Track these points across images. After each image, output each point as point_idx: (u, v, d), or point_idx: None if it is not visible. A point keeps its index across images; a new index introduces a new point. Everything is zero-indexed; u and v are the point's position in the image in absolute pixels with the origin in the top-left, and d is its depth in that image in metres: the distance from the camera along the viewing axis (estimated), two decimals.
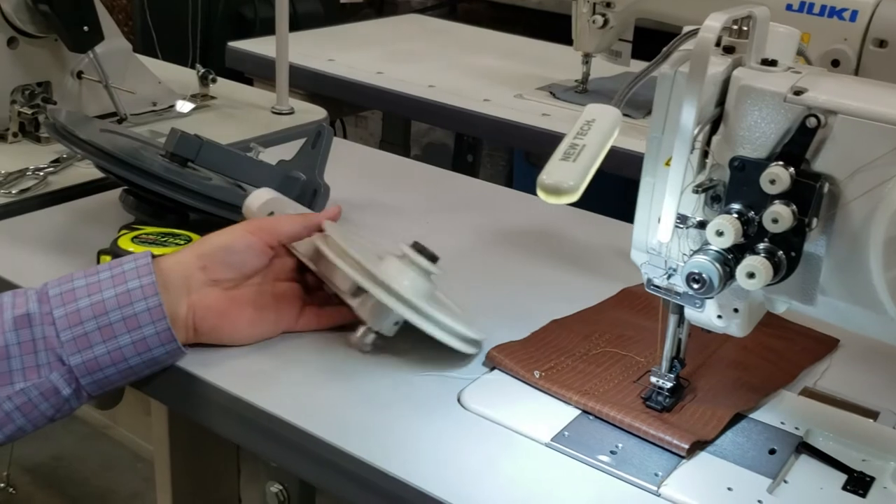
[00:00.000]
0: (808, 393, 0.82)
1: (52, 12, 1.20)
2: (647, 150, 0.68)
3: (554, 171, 0.55)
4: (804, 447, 0.74)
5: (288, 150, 1.15)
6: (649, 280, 0.72)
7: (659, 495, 0.68)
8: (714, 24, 0.61)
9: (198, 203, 0.95)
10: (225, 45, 1.88)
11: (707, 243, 0.65)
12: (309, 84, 1.73)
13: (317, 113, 1.50)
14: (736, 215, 0.64)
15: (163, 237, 0.89)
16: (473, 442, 0.73)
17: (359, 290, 0.83)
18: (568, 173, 0.55)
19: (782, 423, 0.77)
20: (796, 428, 0.76)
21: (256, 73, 1.82)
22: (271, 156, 1.13)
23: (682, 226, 0.66)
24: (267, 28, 1.49)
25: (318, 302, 0.87)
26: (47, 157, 1.19)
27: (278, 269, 0.85)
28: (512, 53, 1.96)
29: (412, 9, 3.26)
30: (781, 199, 0.62)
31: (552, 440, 0.73)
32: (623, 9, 1.56)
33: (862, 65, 1.33)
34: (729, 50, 0.67)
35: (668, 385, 0.76)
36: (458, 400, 0.78)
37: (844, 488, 0.70)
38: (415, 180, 1.30)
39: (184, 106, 1.37)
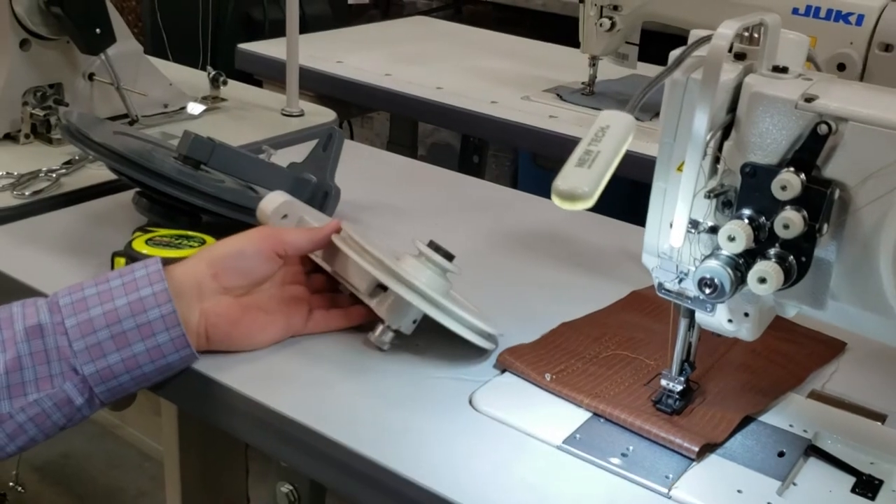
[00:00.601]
0: (817, 396, 0.83)
1: (65, 14, 1.20)
2: (658, 156, 0.69)
3: (569, 177, 0.56)
4: (813, 450, 0.75)
5: (298, 152, 1.15)
6: (660, 284, 0.72)
7: (670, 497, 0.69)
8: (727, 31, 0.61)
9: (210, 205, 0.96)
10: (234, 47, 1.88)
11: (718, 248, 0.66)
12: (318, 86, 1.74)
13: (326, 115, 1.50)
14: (747, 221, 0.65)
15: (177, 239, 0.89)
16: (485, 444, 0.74)
17: (376, 289, 0.84)
18: (583, 179, 0.56)
19: (791, 425, 0.78)
20: (805, 431, 0.77)
21: (266, 74, 1.83)
22: (282, 158, 1.13)
23: (693, 231, 0.67)
24: (276, 30, 1.49)
25: (326, 304, 0.88)
26: (59, 159, 1.20)
27: (285, 274, 0.86)
28: (518, 55, 1.96)
29: (417, 10, 3.27)
30: (792, 205, 0.63)
31: (563, 443, 0.73)
32: (630, 12, 1.57)
33: (868, 69, 1.34)
34: (740, 57, 0.68)
35: (679, 388, 0.76)
36: (470, 402, 0.79)
37: (853, 491, 0.71)
38: (423, 182, 1.31)
39: (195, 108, 1.38)
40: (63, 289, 0.76)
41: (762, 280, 0.63)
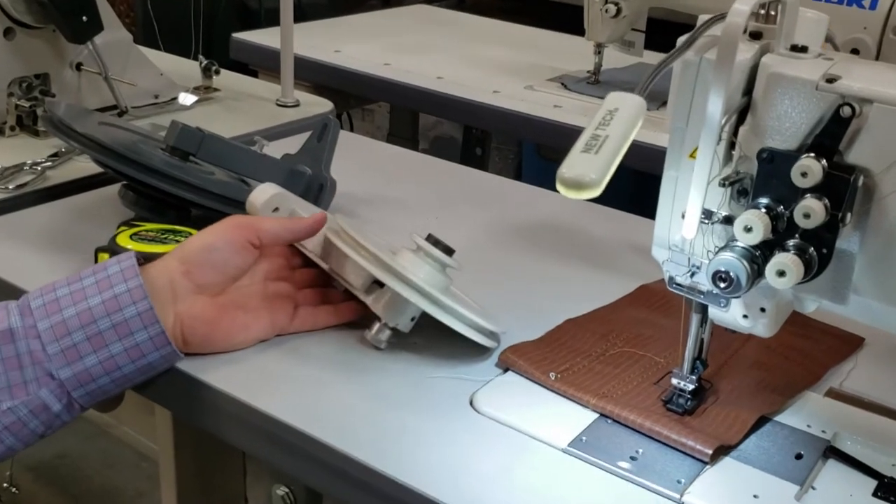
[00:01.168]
0: (834, 394, 0.79)
1: (50, 2, 1.16)
2: (669, 143, 0.65)
3: (575, 164, 0.52)
4: (832, 451, 0.71)
5: (293, 144, 1.11)
6: (671, 278, 0.68)
7: (682, 503, 0.65)
8: (743, 7, 0.57)
9: (199, 198, 0.92)
10: (229, 37, 1.84)
11: (733, 240, 0.62)
12: (315, 76, 1.70)
13: (323, 105, 1.47)
14: (764, 210, 0.61)
15: (163, 234, 0.85)
16: (487, 447, 0.70)
17: (373, 286, 0.81)
18: (590, 166, 0.51)
19: (808, 426, 0.74)
20: (823, 431, 0.73)
21: (261, 64, 1.79)
22: (276, 149, 1.09)
23: (706, 221, 0.63)
24: (273, 19, 1.46)
25: (314, 301, 0.84)
26: (45, 152, 1.16)
27: (268, 269, 0.81)
28: (521, 44, 1.92)
29: None
30: (813, 192, 0.59)
31: (569, 445, 0.70)
32: None
33: (882, 53, 1.30)
34: (756, 36, 0.64)
35: (690, 387, 0.72)
36: (471, 403, 0.75)
37: (875, 495, 0.67)
38: (423, 174, 1.27)
39: (186, 98, 1.34)
40: (35, 290, 0.72)
41: (781, 273, 0.59)
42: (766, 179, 0.61)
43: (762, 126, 0.62)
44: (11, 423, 0.69)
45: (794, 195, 0.60)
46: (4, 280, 0.89)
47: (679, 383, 0.73)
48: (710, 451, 0.68)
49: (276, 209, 0.87)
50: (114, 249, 0.83)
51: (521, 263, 1.01)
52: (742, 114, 0.63)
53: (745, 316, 0.67)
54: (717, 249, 0.63)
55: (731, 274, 0.60)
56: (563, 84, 1.66)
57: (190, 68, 1.49)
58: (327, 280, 0.85)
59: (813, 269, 0.60)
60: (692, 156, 0.63)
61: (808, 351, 0.83)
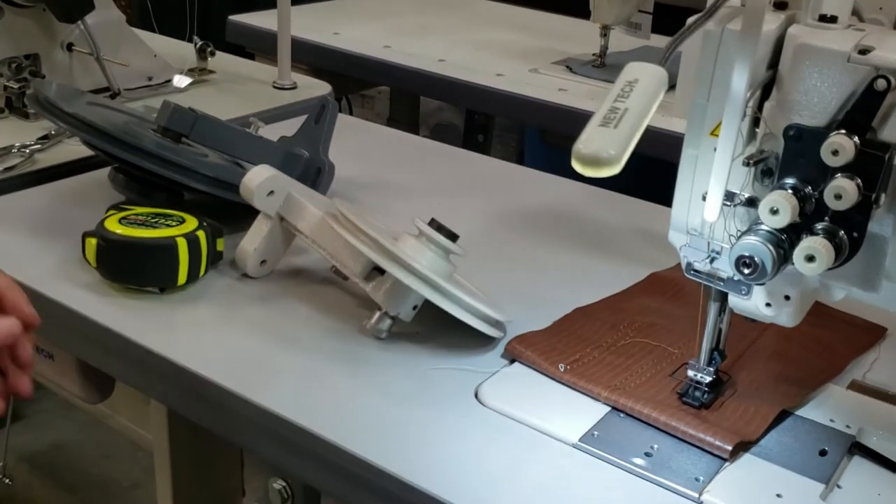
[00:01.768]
0: (858, 387, 0.75)
1: None
2: (689, 119, 0.61)
3: (592, 138, 0.48)
4: (857, 448, 0.67)
5: (290, 127, 1.08)
6: (689, 264, 0.65)
7: (700, 503, 0.61)
8: None
9: (192, 181, 0.88)
10: (225, 19, 1.80)
11: (757, 223, 0.58)
12: (313, 59, 1.66)
13: (321, 88, 1.42)
14: (791, 191, 0.57)
15: (153, 218, 0.81)
16: (493, 442, 0.66)
17: (372, 272, 0.77)
18: (608, 141, 0.47)
19: (831, 420, 0.70)
20: (847, 426, 0.69)
21: (259, 47, 1.75)
22: (273, 132, 1.05)
23: (728, 203, 0.59)
24: (270, 2, 1.42)
25: None
26: (35, 134, 1.12)
27: None
28: (525, 26, 1.88)
29: None
30: (844, 172, 0.55)
31: (580, 441, 0.66)
32: None
33: None
34: (781, 6, 0.60)
35: (707, 379, 0.69)
36: (476, 395, 0.71)
37: None
38: (425, 159, 1.23)
39: (181, 80, 1.30)
40: None
41: (810, 258, 0.55)
42: (793, 158, 0.57)
43: (789, 101, 0.58)
44: None
45: (823, 175, 0.56)
46: None
47: (695, 375, 0.69)
48: (730, 448, 0.64)
49: (272, 192, 0.83)
50: (102, 234, 0.79)
51: (527, 250, 0.97)
52: (767, 88, 0.59)
53: (767, 304, 0.63)
54: (739, 233, 0.59)
55: (756, 259, 0.56)
56: (568, 67, 1.62)
57: (185, 50, 1.44)
58: None
59: (843, 254, 0.57)
60: (714, 133, 0.59)
61: (829, 341, 0.80)
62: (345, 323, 0.80)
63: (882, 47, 0.55)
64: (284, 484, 1.00)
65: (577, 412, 0.69)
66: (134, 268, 0.79)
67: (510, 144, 2.91)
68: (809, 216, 0.57)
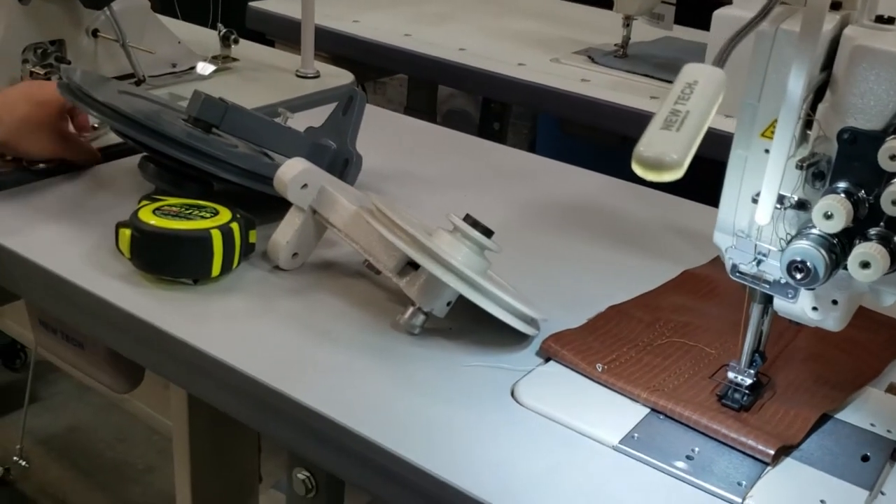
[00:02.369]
0: None
1: None
2: (738, 120, 0.60)
3: (654, 142, 0.47)
4: None
5: (314, 116, 1.07)
6: (734, 266, 0.64)
7: None
8: None
9: (222, 172, 0.88)
10: (245, 6, 1.79)
11: (808, 226, 0.58)
12: (332, 46, 1.65)
13: (344, 77, 1.41)
14: (844, 195, 0.56)
15: (187, 209, 0.81)
16: (530, 443, 0.66)
17: (406, 268, 0.77)
18: (671, 145, 0.47)
19: (872, 424, 0.69)
20: (888, 431, 0.69)
21: (278, 34, 1.74)
22: (297, 122, 1.05)
23: (778, 206, 0.58)
24: None
25: None
26: None
27: None
28: (546, 15, 1.86)
29: None
30: None
31: (620, 443, 0.65)
32: None
33: None
34: (835, 6, 0.59)
35: (748, 382, 0.68)
36: (512, 394, 0.71)
37: None
38: (447, 149, 1.22)
39: (205, 68, 1.29)
40: None
41: (865, 265, 0.54)
42: (847, 162, 0.56)
43: (843, 104, 0.57)
44: None
45: (878, 179, 0.55)
46: (20, 255, 0.85)
47: (736, 377, 0.68)
48: (773, 452, 0.63)
49: (305, 185, 0.83)
50: (136, 225, 0.78)
51: (557, 245, 0.96)
52: (820, 90, 0.58)
53: (814, 308, 0.63)
54: (789, 237, 0.59)
55: (809, 264, 0.56)
56: (589, 57, 1.60)
57: (207, 37, 1.44)
58: None
59: None
60: (765, 135, 0.58)
61: (866, 343, 0.79)
62: (377, 317, 0.80)
63: None
64: (308, 474, 1.00)
65: (616, 413, 0.68)
66: (168, 259, 0.79)
67: (522, 132, 2.90)
68: (863, 221, 0.56)
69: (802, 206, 0.58)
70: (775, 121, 0.58)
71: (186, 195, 0.87)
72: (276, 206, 0.86)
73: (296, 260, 0.85)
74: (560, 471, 0.63)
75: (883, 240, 0.55)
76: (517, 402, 0.70)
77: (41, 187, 0.98)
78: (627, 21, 1.59)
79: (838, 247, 0.56)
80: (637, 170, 0.47)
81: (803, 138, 0.58)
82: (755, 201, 0.58)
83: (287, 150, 0.97)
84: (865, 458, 0.66)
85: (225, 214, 0.81)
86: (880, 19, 0.58)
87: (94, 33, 1.22)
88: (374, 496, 0.73)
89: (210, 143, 0.89)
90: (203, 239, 0.78)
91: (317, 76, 1.39)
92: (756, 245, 0.62)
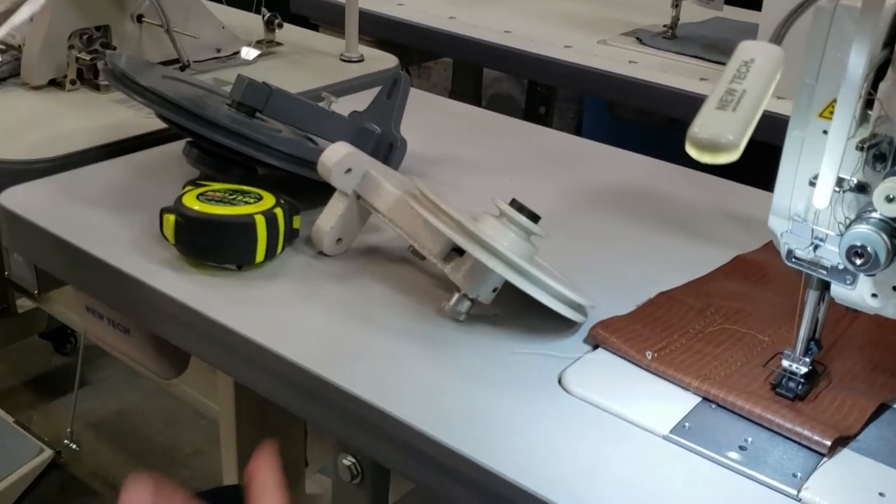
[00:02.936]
0: None
1: None
2: (795, 100, 0.58)
3: (709, 122, 0.45)
4: None
5: (358, 101, 1.06)
6: (790, 251, 0.62)
7: (799, 500, 0.59)
8: None
9: (268, 157, 0.87)
10: None
11: (867, 210, 0.55)
12: (377, 30, 1.64)
13: (388, 61, 1.41)
14: None
15: (231, 195, 0.81)
16: (578, 432, 0.65)
17: (451, 254, 0.76)
18: (726, 126, 0.45)
19: None
20: None
21: (322, 18, 1.74)
22: (342, 106, 1.04)
23: (837, 189, 0.56)
24: None
25: None
26: (107, 106, 1.12)
27: None
28: None
29: None
30: None
31: (671, 432, 0.64)
32: None
33: None
34: None
35: (803, 370, 0.66)
36: (559, 382, 0.69)
37: None
38: (491, 133, 1.20)
39: (249, 53, 1.29)
40: None
41: None
42: None
43: None
44: None
45: None
46: (66, 240, 0.86)
47: (791, 365, 0.66)
48: (829, 443, 0.62)
49: (349, 170, 0.82)
50: (181, 211, 0.78)
51: (604, 230, 0.94)
52: (882, 68, 0.55)
53: (874, 295, 0.60)
54: (847, 221, 0.57)
55: (869, 249, 0.54)
56: (638, 39, 1.58)
57: (251, 22, 1.44)
58: None
59: None
60: (822, 115, 0.56)
61: None
62: (422, 304, 0.79)
63: None
64: (354, 461, 1.00)
65: (667, 402, 0.67)
66: (213, 245, 0.78)
67: (568, 116, 2.86)
68: None
69: (862, 188, 0.56)
70: (834, 101, 0.56)
71: (230, 180, 0.86)
72: (320, 192, 0.85)
73: (340, 245, 0.85)
74: (609, 461, 0.62)
75: None
76: (565, 390, 0.69)
77: (86, 174, 0.98)
78: (676, 1, 1.56)
79: None
80: (691, 151, 0.46)
81: (864, 118, 0.56)
82: (812, 184, 0.56)
83: (331, 134, 0.96)
84: None
85: (269, 200, 0.81)
86: None
87: (139, 19, 1.23)
88: (415, 481, 0.72)
89: (254, 128, 0.89)
90: (247, 225, 0.78)
91: (361, 60, 1.38)
92: (813, 229, 0.60)
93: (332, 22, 1.64)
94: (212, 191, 0.81)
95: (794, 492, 0.59)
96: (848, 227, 0.56)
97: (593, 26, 1.63)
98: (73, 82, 1.18)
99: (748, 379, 0.69)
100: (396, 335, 0.75)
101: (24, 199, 0.92)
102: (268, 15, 1.37)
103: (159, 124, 1.04)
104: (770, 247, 0.89)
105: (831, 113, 0.56)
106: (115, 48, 1.20)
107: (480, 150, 1.13)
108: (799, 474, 0.60)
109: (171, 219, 0.79)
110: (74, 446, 1.79)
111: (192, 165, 0.92)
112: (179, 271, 0.81)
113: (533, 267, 0.72)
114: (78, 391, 1.83)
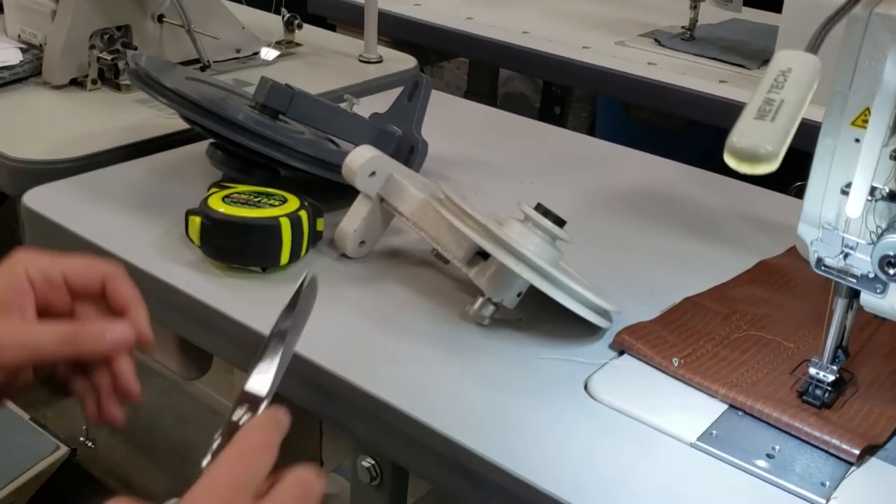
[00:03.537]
0: None
1: None
2: (828, 108, 0.58)
3: (748, 132, 0.45)
4: None
5: (378, 102, 1.06)
6: (819, 259, 0.62)
7: None
8: None
9: (291, 159, 0.87)
10: None
11: None
12: (393, 30, 1.64)
13: (406, 62, 1.41)
14: None
15: (256, 197, 0.81)
16: (605, 439, 0.64)
17: (476, 257, 0.75)
18: (766, 136, 0.45)
19: None
20: None
21: (340, 18, 1.73)
22: (361, 108, 1.04)
23: (869, 198, 0.56)
24: None
25: None
26: (128, 106, 1.12)
27: None
28: None
29: None
30: None
31: (699, 440, 0.64)
32: None
33: None
34: None
35: (830, 378, 0.66)
36: (585, 388, 0.69)
37: None
38: (509, 134, 1.20)
39: (269, 53, 1.29)
40: None
41: None
42: None
43: None
44: None
45: None
46: (89, 241, 0.86)
47: (818, 373, 0.66)
48: (858, 451, 0.61)
49: (373, 173, 0.82)
50: (206, 213, 0.78)
51: (626, 234, 0.94)
52: None
53: None
54: (879, 230, 0.56)
55: None
56: (656, 40, 1.57)
57: (271, 22, 1.44)
58: None
59: None
60: (855, 123, 0.56)
61: None
62: (445, 307, 0.79)
63: None
64: (373, 462, 1.00)
65: (694, 409, 0.67)
66: (238, 247, 0.79)
67: (581, 115, 2.86)
68: None
69: (894, 197, 0.56)
70: (867, 109, 0.55)
71: (254, 182, 0.87)
72: (343, 194, 0.85)
73: (363, 248, 0.85)
74: (636, 468, 0.62)
75: None
76: (591, 396, 0.69)
77: (109, 174, 0.99)
78: (695, 3, 1.56)
79: None
80: (730, 161, 0.45)
81: (895, 128, 0.56)
82: (844, 193, 0.56)
83: (353, 136, 0.96)
84: None
85: (293, 202, 0.81)
86: None
87: (160, 19, 1.23)
88: (436, 485, 0.72)
89: (277, 130, 0.89)
90: (272, 227, 0.78)
91: (380, 61, 1.38)
92: (843, 238, 0.60)
93: (349, 22, 1.64)
94: (237, 193, 0.81)
95: (822, 501, 0.59)
96: (880, 236, 0.55)
97: (611, 27, 1.62)
98: (94, 82, 1.18)
99: (775, 386, 0.68)
100: (420, 339, 0.75)
101: (47, 200, 0.92)
102: (287, 15, 1.38)
103: (181, 125, 1.04)
104: (793, 252, 0.88)
105: (864, 121, 0.55)
106: (136, 48, 1.20)
107: (498, 152, 1.13)
108: (827, 483, 0.60)
109: (196, 221, 0.79)
110: (90, 444, 1.79)
111: (215, 167, 0.93)
112: (204, 273, 0.81)
113: (559, 272, 0.72)
114: None
